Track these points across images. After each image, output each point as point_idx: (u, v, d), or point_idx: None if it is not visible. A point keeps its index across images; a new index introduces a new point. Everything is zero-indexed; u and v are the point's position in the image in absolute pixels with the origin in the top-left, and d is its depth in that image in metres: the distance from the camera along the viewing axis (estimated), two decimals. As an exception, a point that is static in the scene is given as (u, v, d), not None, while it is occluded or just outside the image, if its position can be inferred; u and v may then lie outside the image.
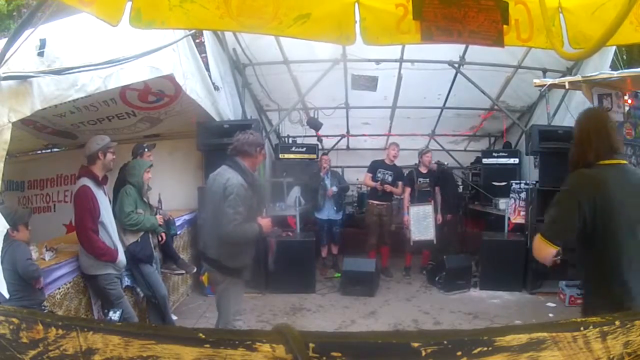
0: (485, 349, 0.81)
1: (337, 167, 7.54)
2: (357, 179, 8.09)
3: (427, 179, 6.16)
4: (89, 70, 3.18)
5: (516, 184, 5.85)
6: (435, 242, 5.98)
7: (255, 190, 3.11)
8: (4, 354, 0.90)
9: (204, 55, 5.27)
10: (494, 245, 5.57)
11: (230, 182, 2.92)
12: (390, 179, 6.03)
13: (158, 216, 4.05)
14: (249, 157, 3.09)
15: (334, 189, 6.26)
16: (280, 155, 6.90)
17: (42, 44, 2.91)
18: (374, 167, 6.13)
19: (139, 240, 3.77)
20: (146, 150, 4.26)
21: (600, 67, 4.93)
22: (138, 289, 3.98)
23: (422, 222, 5.99)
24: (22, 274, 2.73)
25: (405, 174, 6.28)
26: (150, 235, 3.90)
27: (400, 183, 6.10)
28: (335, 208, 6.33)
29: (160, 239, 4.06)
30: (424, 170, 6.17)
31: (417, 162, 6.32)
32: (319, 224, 6.38)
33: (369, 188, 6.38)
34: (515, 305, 5.01)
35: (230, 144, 3.16)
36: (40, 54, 2.92)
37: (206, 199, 3.26)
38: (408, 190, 6.10)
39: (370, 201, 6.18)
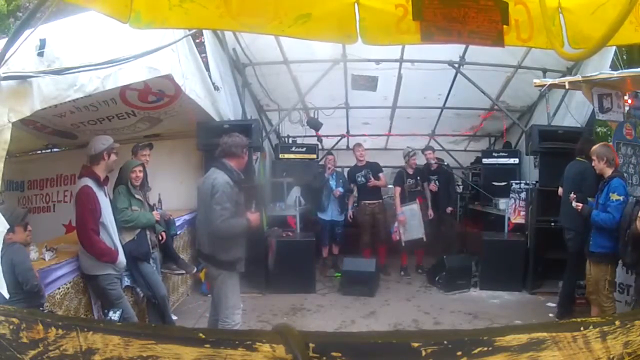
0: (485, 349, 0.81)
1: (337, 167, 7.53)
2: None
3: (414, 179, 6.28)
4: (88, 71, 3.18)
5: (516, 184, 5.85)
6: (425, 239, 6.05)
7: (242, 188, 3.32)
8: (4, 354, 0.90)
9: (204, 55, 5.26)
10: (494, 245, 5.57)
11: (216, 181, 3.14)
12: (370, 176, 6.21)
13: (155, 212, 4.05)
14: (236, 158, 3.32)
15: (340, 189, 6.27)
16: (280, 155, 6.89)
17: (42, 44, 2.91)
18: (353, 175, 6.36)
19: (135, 238, 3.77)
20: (140, 149, 4.28)
21: (600, 67, 4.92)
22: (138, 289, 3.97)
23: (410, 221, 6.11)
24: (22, 281, 2.69)
25: (383, 171, 6.48)
26: (148, 232, 3.89)
27: (380, 175, 6.31)
28: (339, 209, 6.36)
29: (160, 238, 4.06)
30: (410, 170, 6.30)
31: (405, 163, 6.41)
32: (322, 224, 6.39)
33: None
34: (515, 305, 5.01)
35: None
36: (40, 54, 2.92)
37: (198, 200, 3.45)
38: (398, 190, 6.22)
39: (362, 201, 6.29)
